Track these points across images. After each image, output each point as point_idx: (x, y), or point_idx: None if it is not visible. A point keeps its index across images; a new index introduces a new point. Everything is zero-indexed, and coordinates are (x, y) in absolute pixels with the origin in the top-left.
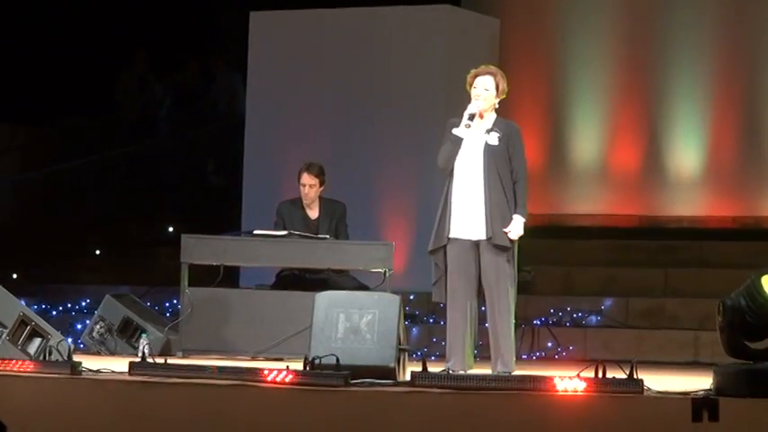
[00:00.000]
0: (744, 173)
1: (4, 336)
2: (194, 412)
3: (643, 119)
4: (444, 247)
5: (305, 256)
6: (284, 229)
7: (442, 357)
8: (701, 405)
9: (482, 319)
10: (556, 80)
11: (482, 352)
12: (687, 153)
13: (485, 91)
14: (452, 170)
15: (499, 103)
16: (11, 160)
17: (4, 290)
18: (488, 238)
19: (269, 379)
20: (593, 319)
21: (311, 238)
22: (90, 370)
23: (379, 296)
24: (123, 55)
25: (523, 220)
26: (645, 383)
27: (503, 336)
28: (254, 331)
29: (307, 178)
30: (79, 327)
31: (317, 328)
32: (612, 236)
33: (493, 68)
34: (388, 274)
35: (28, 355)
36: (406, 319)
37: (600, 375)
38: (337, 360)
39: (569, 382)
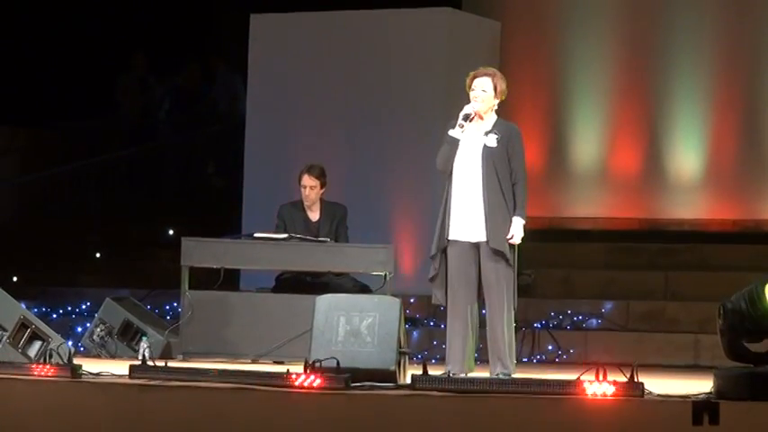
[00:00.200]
0: (744, 176)
1: (4, 339)
2: (194, 415)
3: (643, 121)
4: (444, 249)
5: (305, 258)
6: (285, 231)
7: (442, 360)
8: (701, 408)
9: (482, 322)
10: (556, 83)
11: (482, 355)
12: (687, 156)
13: (482, 92)
14: (451, 172)
15: (499, 104)
16: (11, 162)
17: (5, 293)
18: (487, 242)
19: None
20: (594, 322)
21: (311, 241)
22: (90, 373)
23: (380, 299)
24: (123, 57)
25: (523, 221)
26: (645, 386)
27: (502, 339)
28: (254, 334)
29: (307, 180)
30: (79, 330)
31: (317, 331)
32: (613, 239)
33: (491, 70)
34: (388, 277)
35: (28, 358)
36: (406, 322)
37: (600, 378)
38: (338, 363)
39: (570, 385)
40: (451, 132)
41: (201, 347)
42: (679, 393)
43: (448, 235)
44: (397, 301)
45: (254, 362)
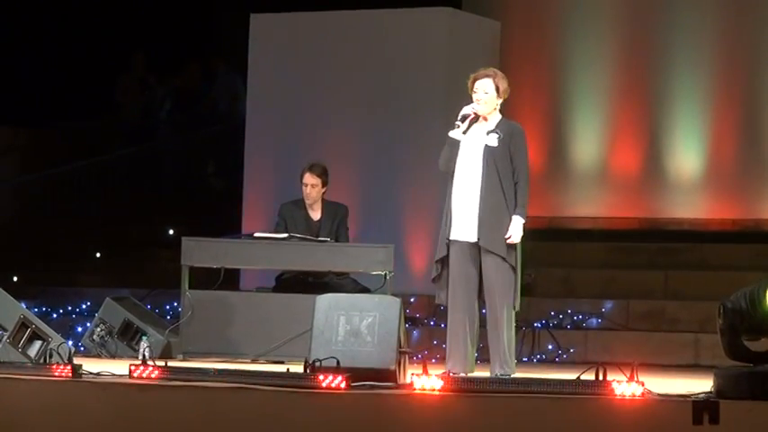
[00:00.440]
0: (744, 175)
1: (4, 339)
2: (194, 415)
3: (643, 121)
4: (447, 248)
5: (305, 258)
6: (286, 230)
7: (442, 360)
8: (701, 408)
9: (483, 321)
10: (556, 82)
11: (482, 354)
12: (687, 155)
13: (485, 94)
14: (453, 172)
15: (503, 103)
16: (11, 162)
17: (5, 293)
18: (478, 240)
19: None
20: (594, 321)
21: (311, 240)
22: (90, 373)
23: (380, 299)
24: (123, 57)
25: (522, 220)
26: (645, 386)
27: (503, 338)
28: (254, 334)
29: (309, 178)
30: (80, 329)
31: (317, 330)
32: (613, 238)
33: (491, 70)
34: (388, 277)
35: (29, 357)
36: (406, 321)
37: (600, 378)
38: (338, 363)
39: (570, 385)
40: (451, 133)
41: (201, 347)
42: (679, 393)
43: (449, 235)
44: (397, 301)
45: (254, 361)
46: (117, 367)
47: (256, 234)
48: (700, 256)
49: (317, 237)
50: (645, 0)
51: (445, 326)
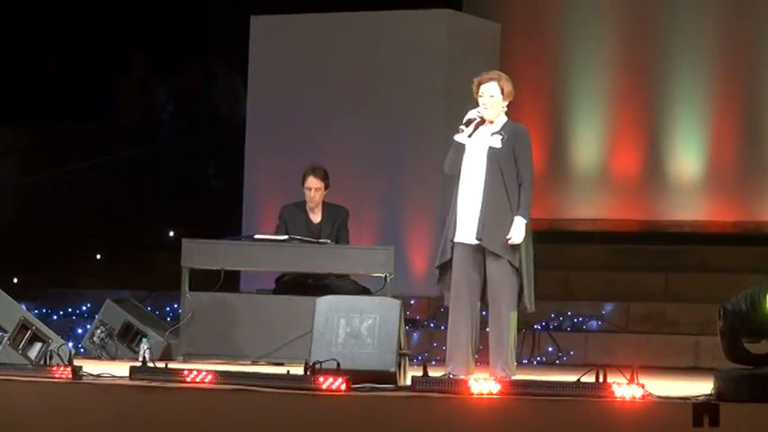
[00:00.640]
0: (744, 178)
1: (5, 340)
2: (195, 417)
3: (643, 123)
4: (450, 251)
5: (305, 260)
6: (286, 232)
7: (442, 362)
8: (701, 410)
9: (483, 323)
10: (556, 85)
11: (482, 356)
12: (688, 158)
13: (490, 98)
14: (459, 174)
15: (508, 105)
16: (11, 163)
17: (5, 294)
18: (481, 241)
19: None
20: (594, 323)
21: (312, 242)
22: (91, 374)
23: (380, 301)
24: (124, 58)
25: (524, 221)
26: (646, 388)
27: (504, 341)
28: (254, 336)
29: (312, 181)
30: (80, 331)
31: (317, 332)
32: (613, 240)
33: (494, 73)
34: (388, 279)
35: (29, 359)
36: (406, 323)
37: (601, 380)
38: (338, 365)
39: (570, 387)
40: (457, 137)
41: (202, 349)
42: (679, 395)
43: (453, 237)
44: (397, 303)
45: (254, 363)
46: (117, 369)
47: (257, 236)
48: (700, 259)
49: (318, 239)
50: (645, 2)
51: (445, 328)
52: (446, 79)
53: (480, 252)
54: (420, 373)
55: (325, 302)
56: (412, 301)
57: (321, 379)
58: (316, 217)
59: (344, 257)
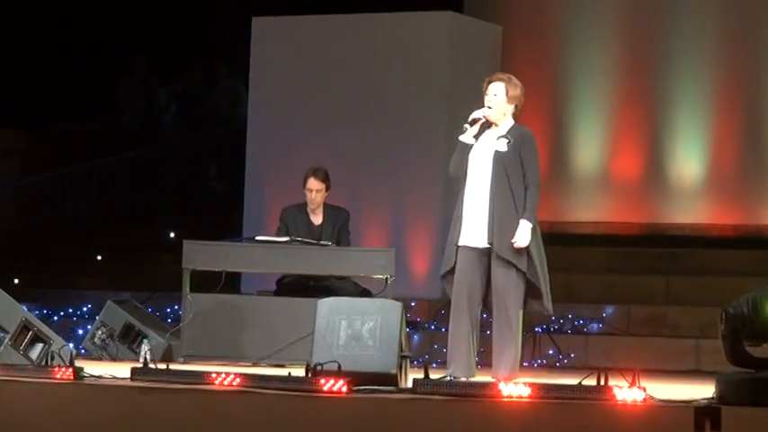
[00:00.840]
0: (745, 181)
1: (6, 341)
2: (196, 418)
3: (645, 126)
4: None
5: (306, 262)
6: (287, 233)
7: (443, 364)
8: (703, 413)
9: (483, 326)
10: (558, 87)
11: (483, 359)
12: (689, 161)
13: (494, 97)
14: (464, 177)
15: (516, 110)
16: (13, 165)
17: (6, 295)
18: (491, 245)
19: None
20: (595, 326)
21: (313, 244)
22: (92, 375)
23: (381, 303)
24: (126, 60)
25: (530, 225)
26: (647, 391)
27: (507, 344)
28: (255, 337)
29: (313, 183)
30: (81, 332)
31: (318, 334)
32: (614, 243)
33: (505, 75)
34: (389, 281)
35: (30, 360)
36: (407, 325)
37: (602, 383)
38: (339, 367)
39: (571, 390)
40: (461, 138)
41: (203, 350)
42: (681, 398)
43: (458, 241)
44: (398, 305)
45: (255, 365)
46: (118, 370)
47: (258, 237)
48: (701, 262)
49: (319, 241)
50: (646, 5)
51: (446, 330)
52: (447, 82)
53: (486, 256)
54: (421, 376)
55: (326, 304)
56: (413, 303)
57: (322, 381)
58: (317, 219)
59: (345, 259)
